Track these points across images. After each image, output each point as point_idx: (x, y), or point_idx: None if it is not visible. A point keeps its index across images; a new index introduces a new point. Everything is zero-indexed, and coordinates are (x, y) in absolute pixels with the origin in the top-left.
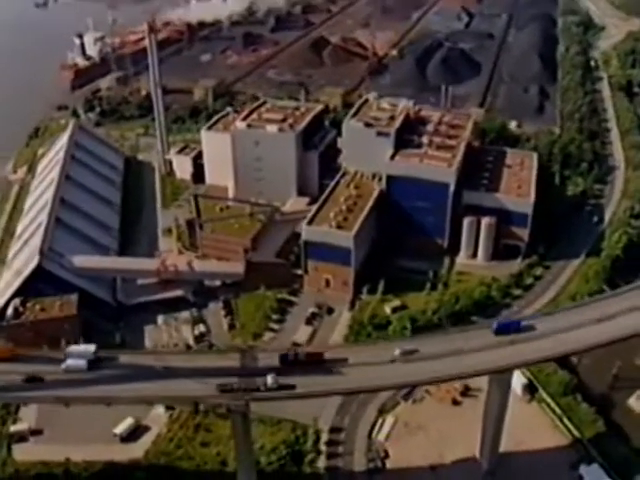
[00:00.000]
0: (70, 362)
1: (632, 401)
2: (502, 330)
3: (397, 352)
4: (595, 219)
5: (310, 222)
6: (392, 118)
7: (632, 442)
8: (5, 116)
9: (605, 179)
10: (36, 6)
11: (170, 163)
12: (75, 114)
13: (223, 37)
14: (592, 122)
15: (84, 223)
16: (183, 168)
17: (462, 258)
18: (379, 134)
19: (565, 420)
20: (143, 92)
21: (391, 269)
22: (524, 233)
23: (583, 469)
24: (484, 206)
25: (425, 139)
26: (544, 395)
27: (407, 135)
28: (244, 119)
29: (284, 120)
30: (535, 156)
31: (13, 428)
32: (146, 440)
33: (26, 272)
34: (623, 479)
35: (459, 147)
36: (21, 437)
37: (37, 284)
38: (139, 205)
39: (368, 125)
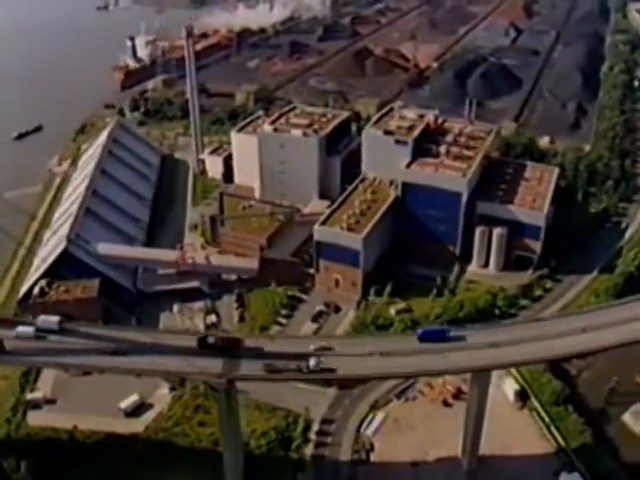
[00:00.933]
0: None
1: (626, 417)
2: (426, 337)
3: (312, 347)
4: (614, 236)
5: (323, 223)
6: (412, 128)
7: (621, 456)
8: (59, 113)
9: (632, 197)
10: (98, 9)
11: (203, 162)
12: (121, 113)
13: (271, 45)
14: (626, 141)
15: (113, 214)
16: (215, 168)
17: (474, 267)
18: (397, 142)
19: (552, 429)
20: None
21: (402, 273)
22: (536, 245)
23: (563, 476)
24: (497, 217)
25: (443, 149)
26: (535, 403)
27: (426, 144)
28: (272, 122)
29: (310, 125)
30: (556, 171)
31: (30, 396)
32: (148, 416)
33: (53, 256)
34: None
35: (475, 158)
36: (36, 404)
37: (63, 268)
38: (170, 201)
39: (387, 133)
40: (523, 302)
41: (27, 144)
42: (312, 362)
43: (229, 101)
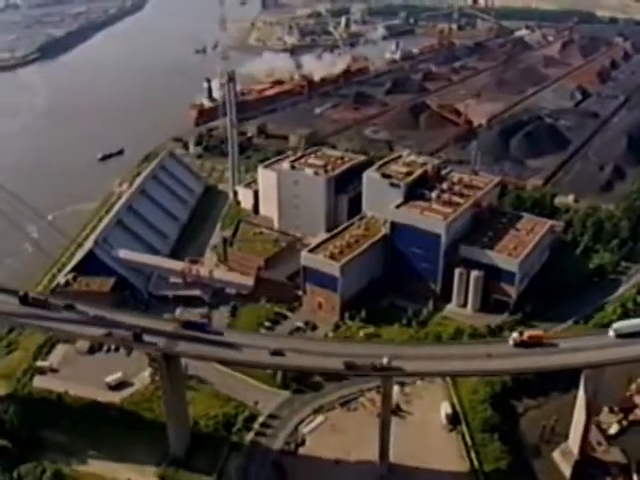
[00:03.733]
0: None
1: (556, 454)
2: (189, 327)
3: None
4: (605, 293)
5: (311, 250)
6: (409, 173)
7: None
8: (140, 140)
9: (637, 258)
10: (196, 52)
11: (236, 194)
12: (185, 146)
13: (340, 94)
14: None
15: (142, 228)
16: (246, 199)
17: (453, 306)
18: (392, 185)
19: (472, 452)
20: (249, 134)
21: (381, 304)
22: (511, 290)
23: None
24: (477, 261)
25: (434, 194)
26: (463, 427)
27: (420, 189)
28: (292, 161)
29: (325, 166)
30: (548, 223)
31: (39, 363)
32: (126, 392)
33: (80, 255)
34: None
35: (463, 205)
36: (42, 371)
37: (87, 266)
38: (202, 224)
39: (384, 176)
40: None
41: (108, 165)
42: (385, 360)
43: (284, 142)
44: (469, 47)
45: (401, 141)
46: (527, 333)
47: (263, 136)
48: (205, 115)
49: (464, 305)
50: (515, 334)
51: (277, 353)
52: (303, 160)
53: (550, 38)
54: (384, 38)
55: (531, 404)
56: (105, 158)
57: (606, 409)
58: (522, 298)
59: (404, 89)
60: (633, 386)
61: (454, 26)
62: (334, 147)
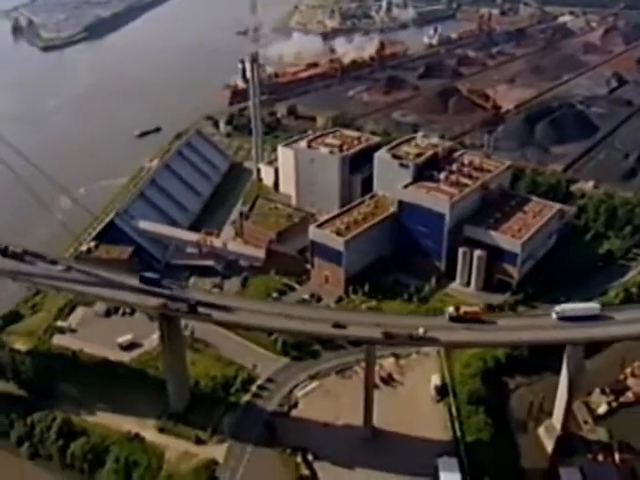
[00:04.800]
0: None
1: (540, 430)
2: (144, 280)
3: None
4: (611, 278)
5: (320, 225)
6: (420, 154)
7: (521, 461)
8: (177, 118)
9: None
10: (237, 34)
11: (260, 171)
12: (216, 125)
13: (373, 78)
14: None
15: (164, 201)
16: (268, 176)
17: (457, 284)
18: (401, 165)
19: (456, 422)
20: (278, 114)
21: (386, 281)
22: (514, 270)
23: (441, 459)
24: (481, 241)
25: (443, 175)
26: (450, 399)
27: (429, 170)
28: (310, 140)
29: (340, 146)
30: (556, 207)
31: (59, 323)
32: (135, 352)
33: (103, 224)
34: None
35: (471, 186)
36: (61, 330)
37: (109, 234)
38: (225, 199)
39: (395, 157)
40: None
41: (145, 141)
42: (421, 330)
43: (312, 124)
44: (509, 33)
45: (428, 124)
46: (463, 308)
47: (292, 117)
48: (239, 95)
49: (467, 284)
50: (451, 308)
51: (337, 325)
52: (320, 140)
53: (594, 24)
54: (415, 21)
55: (523, 382)
56: (143, 135)
57: (598, 390)
58: (526, 279)
59: (437, 74)
60: (628, 369)
61: (496, 11)
62: (359, 129)
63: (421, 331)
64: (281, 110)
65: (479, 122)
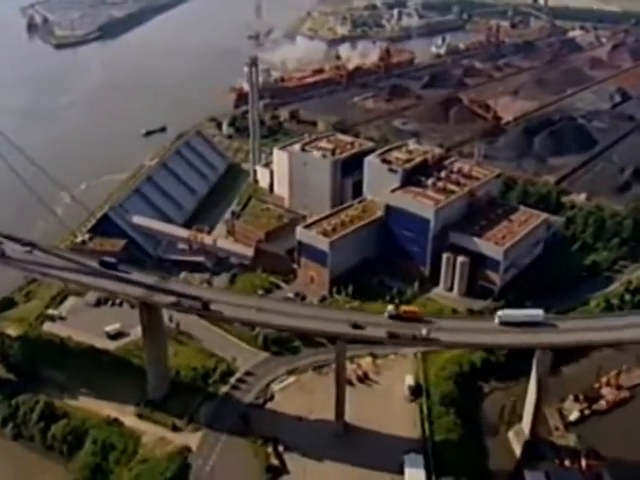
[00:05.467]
0: None
1: (510, 433)
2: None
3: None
4: (594, 288)
5: (307, 226)
6: (409, 160)
7: (489, 460)
8: (182, 118)
9: (638, 258)
10: (249, 38)
11: (256, 173)
12: (219, 126)
13: (378, 86)
14: None
15: (160, 198)
16: (264, 178)
17: (440, 289)
18: (390, 170)
19: (426, 421)
20: (281, 118)
21: (372, 283)
22: (496, 277)
23: (407, 455)
24: (465, 247)
25: (430, 182)
26: (423, 399)
27: (418, 176)
28: (305, 144)
29: (333, 150)
30: (542, 216)
31: (50, 311)
32: (122, 341)
33: (98, 217)
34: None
35: (457, 193)
36: (52, 318)
37: (103, 227)
38: (220, 198)
39: (384, 162)
40: None
41: (151, 140)
42: (424, 331)
43: (313, 128)
44: (517, 45)
45: (428, 133)
46: (402, 308)
47: (295, 121)
48: (244, 98)
49: (450, 289)
50: (390, 307)
51: (356, 326)
52: (314, 143)
53: (603, 40)
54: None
55: (498, 386)
56: (149, 134)
57: (571, 397)
58: (509, 286)
59: (442, 83)
60: (604, 378)
61: (506, 23)
62: (357, 135)
63: (424, 332)
64: (284, 114)
65: (479, 132)
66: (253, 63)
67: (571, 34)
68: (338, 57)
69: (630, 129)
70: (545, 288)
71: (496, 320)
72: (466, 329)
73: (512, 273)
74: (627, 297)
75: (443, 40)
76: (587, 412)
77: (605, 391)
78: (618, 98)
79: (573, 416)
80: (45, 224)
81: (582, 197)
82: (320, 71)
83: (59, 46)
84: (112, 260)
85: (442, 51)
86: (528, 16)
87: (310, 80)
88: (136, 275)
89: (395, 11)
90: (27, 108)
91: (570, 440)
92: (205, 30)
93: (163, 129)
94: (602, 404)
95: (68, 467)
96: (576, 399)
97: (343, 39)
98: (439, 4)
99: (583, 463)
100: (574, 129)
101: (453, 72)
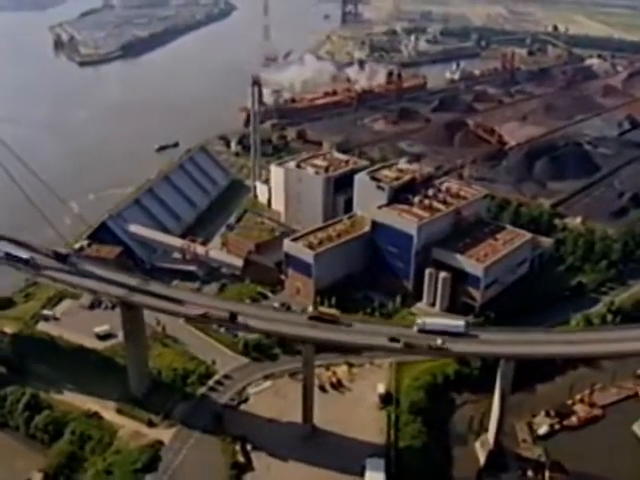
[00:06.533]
0: None
1: (477, 443)
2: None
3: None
4: (578, 309)
5: (295, 239)
6: (398, 178)
7: (453, 469)
8: (194, 135)
9: (625, 281)
10: (266, 59)
11: (255, 188)
12: (227, 144)
13: (388, 109)
14: None
15: (159, 209)
16: (263, 193)
17: (423, 304)
18: (378, 187)
19: (392, 428)
20: (288, 138)
21: (357, 295)
22: (477, 294)
23: (369, 459)
24: (447, 263)
25: (417, 199)
26: (391, 407)
27: (406, 194)
28: (301, 161)
29: (327, 167)
30: (527, 236)
31: (44, 312)
32: (110, 342)
33: (96, 225)
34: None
35: (442, 211)
36: (46, 318)
37: (101, 235)
38: (220, 212)
39: (373, 179)
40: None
41: (164, 155)
42: (439, 341)
43: (318, 148)
44: (531, 72)
45: (432, 155)
46: (320, 309)
47: (301, 140)
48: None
49: (433, 304)
50: (310, 308)
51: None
52: (310, 160)
53: (619, 68)
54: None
55: (471, 398)
56: (162, 149)
57: (543, 412)
58: (491, 303)
59: (451, 107)
60: (578, 396)
61: (523, 51)
62: (360, 155)
63: (439, 342)
64: (291, 134)
65: (481, 155)
66: (255, 82)
67: (588, 62)
68: (349, 80)
69: (636, 156)
70: (528, 306)
71: (415, 328)
72: (379, 332)
73: (495, 290)
74: (609, 317)
75: (457, 66)
76: (557, 427)
77: (578, 408)
78: (627, 125)
79: (542, 430)
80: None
81: (577, 221)
82: (332, 93)
83: (83, 63)
84: (64, 252)
85: (456, 76)
86: (546, 44)
87: (320, 102)
88: (116, 276)
89: (412, 37)
90: (48, 121)
91: (536, 453)
92: (225, 52)
93: (176, 144)
94: (573, 420)
95: (46, 454)
96: (547, 414)
97: (351, 61)
98: (458, 31)
99: (547, 475)
100: (576, 154)
101: (463, 97)
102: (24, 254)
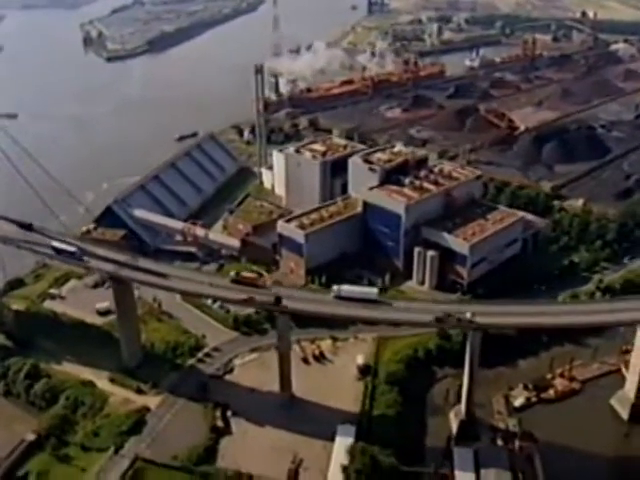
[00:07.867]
0: None
1: (451, 414)
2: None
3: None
4: (569, 287)
5: (288, 220)
6: (390, 160)
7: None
8: (212, 124)
9: (620, 261)
10: (289, 52)
11: (261, 174)
12: (240, 133)
13: (403, 97)
14: None
15: (164, 194)
16: (268, 179)
17: (413, 283)
18: (370, 169)
19: (368, 397)
20: (300, 126)
21: (349, 275)
22: (464, 272)
23: (341, 426)
24: (436, 242)
25: (407, 180)
26: (369, 378)
27: (397, 175)
28: (300, 146)
29: (324, 152)
30: (518, 215)
31: (51, 291)
32: (110, 317)
33: (102, 209)
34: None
35: (432, 192)
36: (52, 296)
37: (106, 219)
38: (226, 198)
39: (366, 162)
40: None
41: (183, 144)
42: (468, 315)
43: (329, 135)
44: (553, 58)
45: (440, 140)
46: (241, 274)
47: (312, 128)
48: (269, 107)
49: (422, 283)
50: (232, 273)
51: None
52: (309, 145)
53: None
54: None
55: (451, 372)
56: (182, 138)
57: (521, 385)
58: (480, 282)
59: (467, 94)
60: (558, 370)
61: (548, 37)
62: (371, 140)
63: (468, 315)
64: (303, 122)
65: (490, 140)
66: (258, 71)
67: (613, 47)
68: (364, 68)
69: None
70: (517, 285)
71: (331, 294)
72: (293, 296)
73: (483, 268)
74: (597, 295)
75: (477, 53)
76: (534, 400)
77: (557, 382)
78: None
79: (518, 402)
80: (67, 218)
81: (579, 203)
82: (348, 82)
83: (110, 59)
84: (27, 223)
85: (475, 64)
86: (571, 30)
87: (336, 91)
88: (109, 254)
89: (435, 25)
90: (75, 114)
91: (510, 424)
92: (250, 43)
93: (194, 134)
94: (550, 393)
95: (41, 417)
96: (525, 387)
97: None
98: (483, 19)
99: (517, 444)
100: (585, 137)
101: (480, 84)
102: (71, 248)
